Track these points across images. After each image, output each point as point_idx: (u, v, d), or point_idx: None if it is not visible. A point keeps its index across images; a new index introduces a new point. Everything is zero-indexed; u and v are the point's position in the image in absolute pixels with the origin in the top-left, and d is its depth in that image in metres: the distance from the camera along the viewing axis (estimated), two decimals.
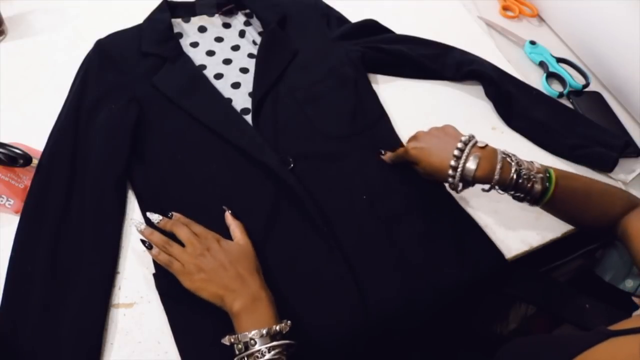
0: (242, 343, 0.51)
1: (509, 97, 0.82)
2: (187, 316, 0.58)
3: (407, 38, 0.88)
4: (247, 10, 0.88)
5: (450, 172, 0.61)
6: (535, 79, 0.90)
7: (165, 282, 0.60)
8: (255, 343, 0.50)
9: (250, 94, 0.77)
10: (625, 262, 0.84)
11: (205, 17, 0.88)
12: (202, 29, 0.86)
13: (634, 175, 0.78)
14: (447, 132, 0.65)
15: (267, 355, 0.50)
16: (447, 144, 0.63)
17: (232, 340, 0.52)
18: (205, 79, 0.78)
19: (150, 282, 0.61)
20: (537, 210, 0.72)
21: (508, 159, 0.60)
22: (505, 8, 1.02)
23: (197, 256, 0.57)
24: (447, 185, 0.65)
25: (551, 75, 0.90)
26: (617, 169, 0.76)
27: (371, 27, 0.89)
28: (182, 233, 0.59)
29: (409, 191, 0.70)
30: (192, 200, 0.67)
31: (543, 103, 0.83)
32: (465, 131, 0.80)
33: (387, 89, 0.85)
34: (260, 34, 0.86)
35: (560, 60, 0.92)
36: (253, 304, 0.53)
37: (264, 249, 0.63)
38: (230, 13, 0.89)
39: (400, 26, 0.91)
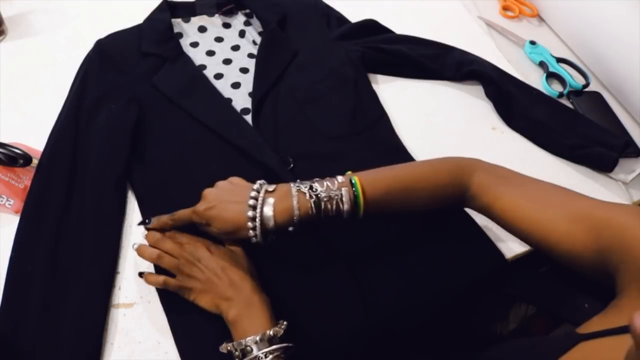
0: (239, 350, 0.51)
1: (509, 97, 0.82)
2: (187, 316, 0.58)
3: (407, 38, 0.88)
4: (247, 10, 0.89)
5: (249, 224, 0.54)
6: (535, 79, 0.90)
7: None
8: (252, 350, 0.50)
9: (250, 94, 0.77)
10: None
11: (205, 17, 0.88)
12: (202, 29, 0.86)
13: (634, 175, 0.77)
14: (235, 182, 0.59)
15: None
16: (238, 195, 0.56)
17: (229, 348, 0.52)
18: (205, 79, 0.78)
19: None
20: None
21: (302, 189, 0.55)
22: (505, 8, 1.02)
23: (190, 268, 0.56)
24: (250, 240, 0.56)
25: (551, 75, 0.90)
26: (617, 169, 0.76)
27: (371, 27, 0.89)
28: (169, 247, 0.58)
29: None
30: (191, 200, 0.67)
31: (543, 103, 0.83)
32: (464, 131, 0.81)
33: (387, 89, 0.85)
34: (260, 34, 0.86)
35: (560, 60, 0.92)
36: (247, 310, 0.53)
37: (262, 251, 0.63)
38: (230, 13, 0.89)
39: (400, 26, 0.91)
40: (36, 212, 0.63)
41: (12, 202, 0.65)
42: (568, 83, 0.88)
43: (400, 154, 0.75)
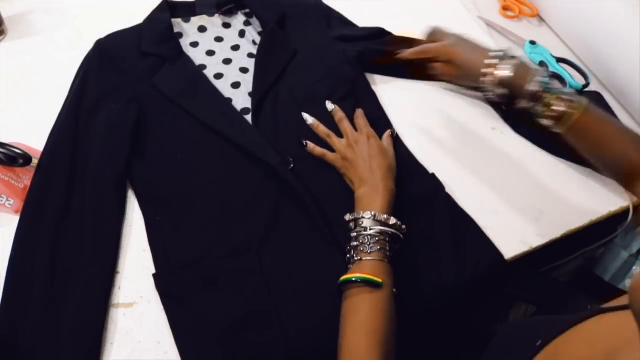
0: (354, 221, 0.61)
1: None
2: (187, 316, 0.58)
3: None
4: (247, 10, 0.88)
5: (484, 69, 0.68)
6: None
7: (165, 282, 0.61)
8: (363, 222, 0.60)
9: (250, 94, 0.77)
10: (626, 262, 0.84)
11: (205, 17, 0.88)
12: (202, 29, 0.86)
13: None
14: (480, 43, 0.72)
15: (371, 231, 0.59)
16: (481, 46, 0.72)
17: (349, 218, 0.62)
18: (205, 79, 0.78)
19: (150, 282, 0.61)
20: (537, 210, 0.72)
21: (545, 79, 0.66)
22: (505, 8, 1.02)
23: (347, 147, 0.70)
24: (483, 94, 0.72)
25: (551, 76, 0.90)
26: None
27: (377, 34, 0.89)
28: (344, 126, 0.73)
29: (408, 191, 0.70)
30: (192, 199, 0.67)
31: None
32: (464, 132, 0.81)
33: (387, 89, 0.85)
34: (260, 33, 0.86)
35: (560, 60, 0.92)
36: (373, 193, 0.63)
37: (265, 249, 0.63)
38: (230, 13, 0.89)
39: (400, 26, 0.91)
40: (36, 212, 0.63)
41: (12, 202, 0.65)
42: (568, 83, 0.88)
43: (400, 154, 0.75)
